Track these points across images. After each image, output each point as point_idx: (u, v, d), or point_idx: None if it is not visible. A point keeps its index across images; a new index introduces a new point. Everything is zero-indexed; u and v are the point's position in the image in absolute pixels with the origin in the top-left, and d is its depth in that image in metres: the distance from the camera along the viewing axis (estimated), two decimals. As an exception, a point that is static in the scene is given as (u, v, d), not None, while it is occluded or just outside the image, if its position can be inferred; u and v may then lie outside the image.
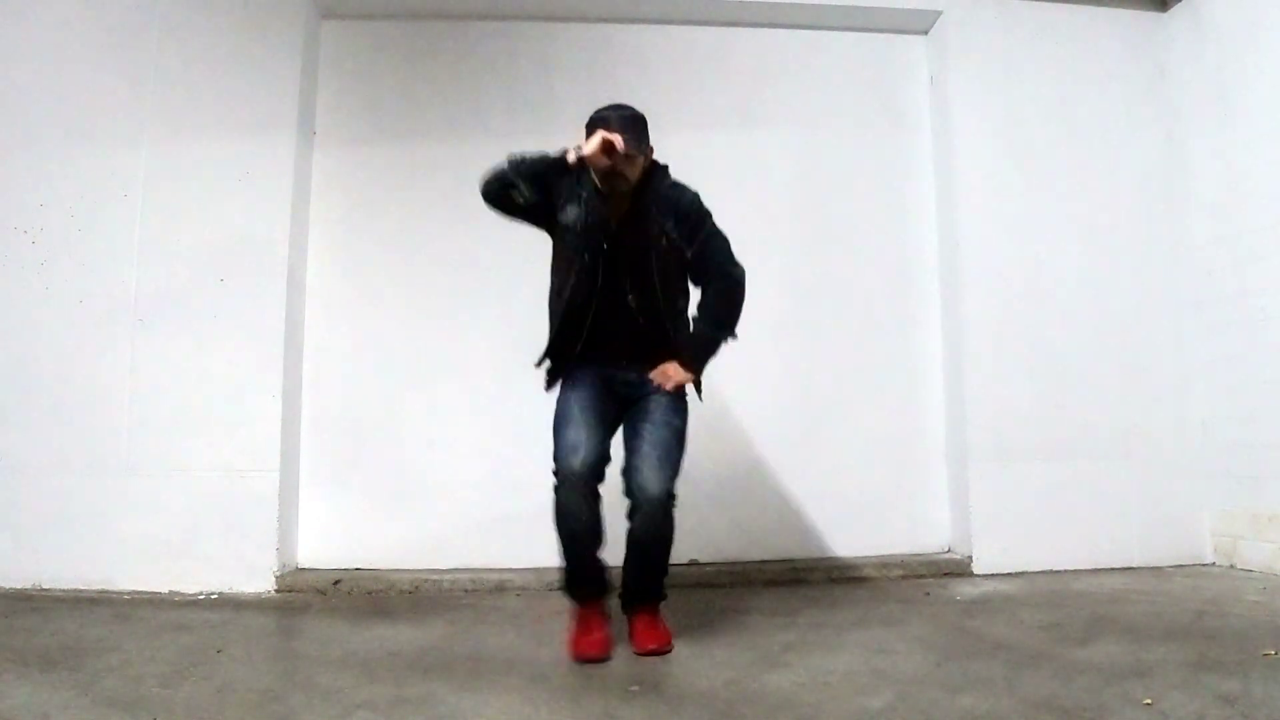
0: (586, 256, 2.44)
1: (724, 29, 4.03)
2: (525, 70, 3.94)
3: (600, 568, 2.46)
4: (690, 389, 2.58)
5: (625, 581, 2.51)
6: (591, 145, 2.36)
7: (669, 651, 2.38)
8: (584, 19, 3.98)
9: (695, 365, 2.54)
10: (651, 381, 2.50)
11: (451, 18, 3.94)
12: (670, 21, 4.00)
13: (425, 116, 3.89)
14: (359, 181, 3.82)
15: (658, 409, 2.47)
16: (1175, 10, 4.00)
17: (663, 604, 2.54)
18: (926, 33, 4.07)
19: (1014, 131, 3.89)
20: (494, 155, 3.84)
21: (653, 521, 2.35)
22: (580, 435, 2.37)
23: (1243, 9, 3.64)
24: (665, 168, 2.58)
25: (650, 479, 2.34)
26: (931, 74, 4.05)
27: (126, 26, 3.59)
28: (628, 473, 2.39)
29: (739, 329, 2.59)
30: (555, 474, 2.37)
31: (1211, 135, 3.80)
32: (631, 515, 2.38)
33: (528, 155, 2.49)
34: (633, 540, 2.41)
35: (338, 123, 3.84)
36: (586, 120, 2.51)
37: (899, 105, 4.08)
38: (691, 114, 3.93)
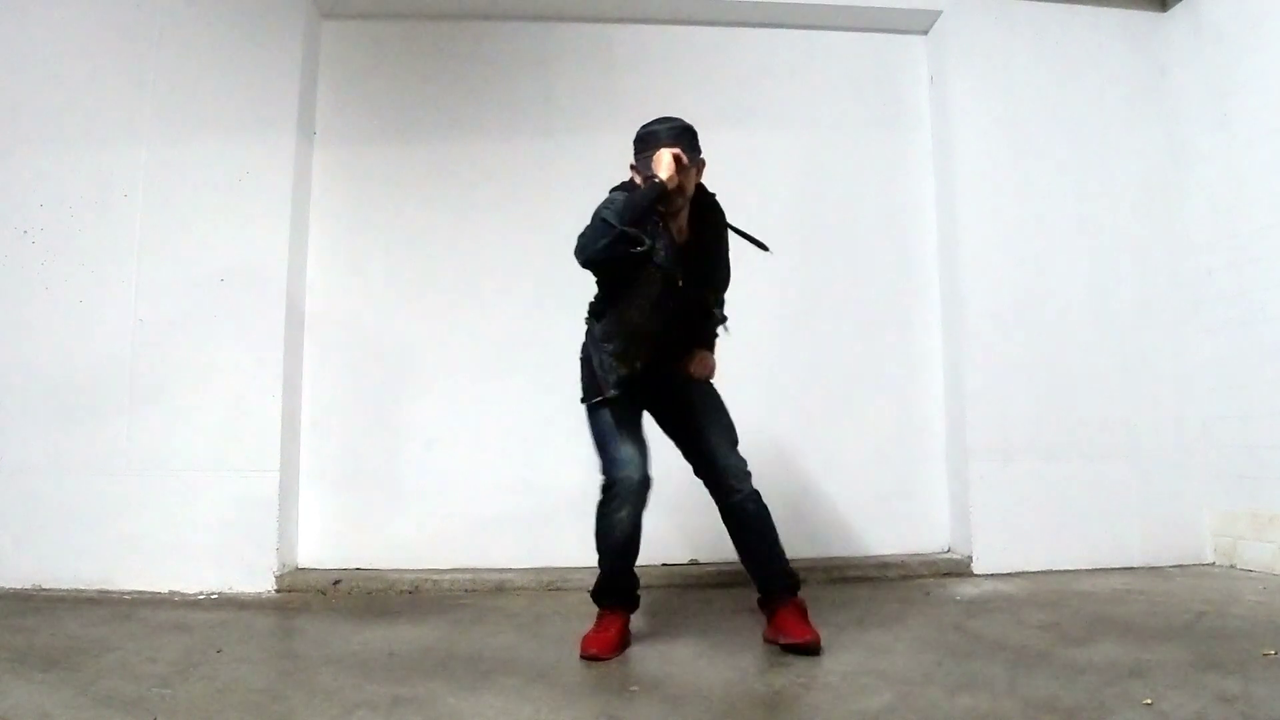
0: (663, 280, 2.39)
1: (724, 29, 4.03)
2: (525, 70, 3.94)
3: (635, 579, 2.55)
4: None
5: (758, 579, 2.54)
6: (668, 167, 2.30)
7: (819, 651, 2.34)
8: (584, 19, 3.98)
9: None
10: (677, 373, 2.54)
11: (451, 18, 3.94)
12: (670, 21, 4.00)
13: (425, 116, 3.89)
14: (359, 181, 3.82)
15: (703, 400, 2.56)
16: (1175, 10, 4.00)
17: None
18: (926, 33, 4.07)
19: (1014, 131, 3.89)
20: (494, 155, 3.89)
21: (757, 502, 2.46)
22: (632, 448, 2.39)
23: (1243, 9, 3.64)
24: (713, 196, 2.59)
25: (734, 459, 2.47)
26: (931, 74, 4.05)
27: (126, 26, 3.59)
28: (713, 468, 2.47)
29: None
30: (608, 487, 2.40)
31: (1211, 135, 3.80)
32: (733, 508, 2.47)
33: (625, 204, 2.34)
34: (749, 529, 2.48)
35: (338, 123, 3.84)
36: (635, 136, 2.48)
37: (899, 105, 4.08)
38: (691, 114, 3.85)
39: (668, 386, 2.56)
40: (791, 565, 2.56)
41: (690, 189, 2.44)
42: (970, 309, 3.77)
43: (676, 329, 2.48)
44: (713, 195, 2.59)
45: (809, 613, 2.48)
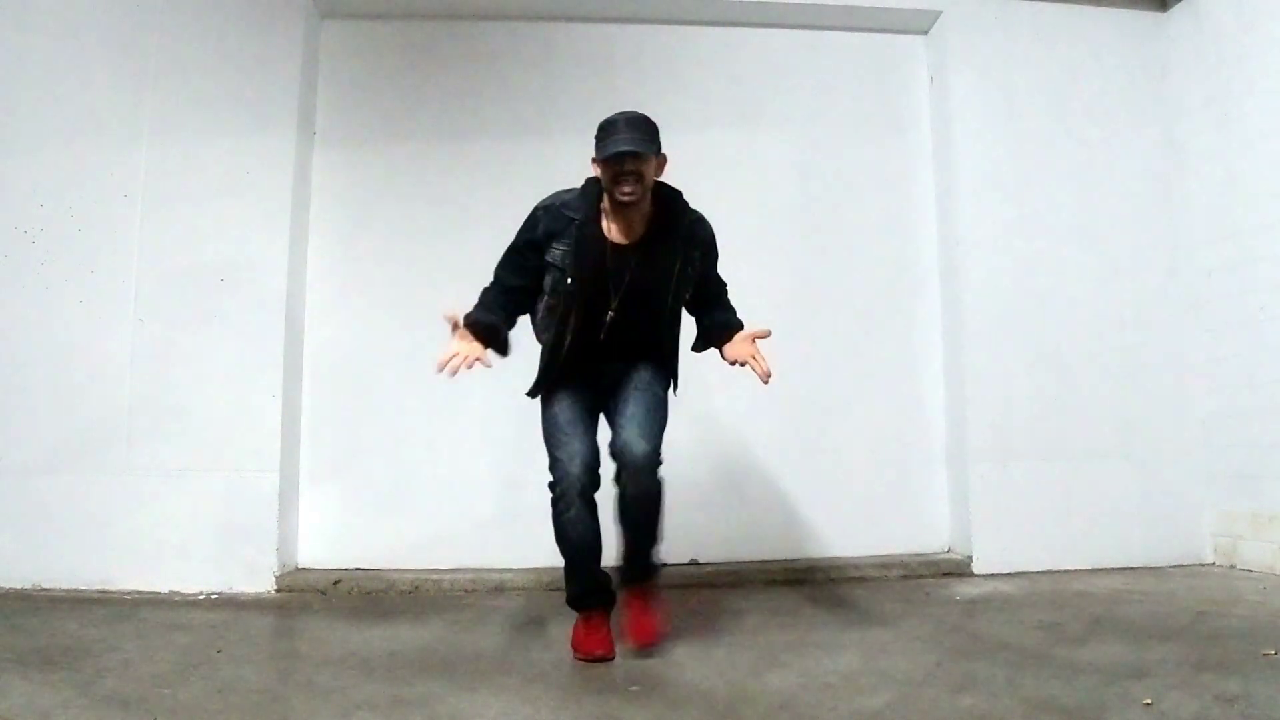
0: (595, 291, 2.39)
1: (724, 29, 4.03)
2: (525, 70, 3.94)
3: (604, 576, 2.46)
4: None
5: (621, 561, 2.49)
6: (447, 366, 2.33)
7: (656, 644, 2.39)
8: (584, 19, 3.98)
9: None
10: (632, 371, 2.49)
11: (451, 18, 3.94)
12: (670, 21, 4.00)
13: (425, 116, 3.89)
14: (359, 181, 3.82)
15: (639, 379, 2.46)
16: (1175, 10, 4.00)
17: (660, 591, 2.53)
18: (926, 33, 4.07)
19: (1014, 131, 3.89)
20: (494, 155, 3.89)
21: (638, 482, 2.32)
22: (574, 444, 2.36)
23: (1243, 9, 3.64)
24: (680, 193, 2.50)
25: (633, 438, 2.32)
26: (931, 74, 4.05)
27: (126, 26, 3.59)
28: (614, 442, 2.37)
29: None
30: (553, 485, 2.37)
31: (1211, 135, 3.80)
32: (618, 480, 2.35)
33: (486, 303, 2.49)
34: (622, 507, 2.38)
35: (338, 123, 3.84)
36: (597, 127, 2.47)
37: (899, 105, 4.08)
38: (691, 114, 3.93)
39: (622, 374, 2.48)
40: (658, 559, 2.55)
41: (647, 183, 2.37)
42: (970, 309, 3.77)
43: (618, 337, 2.43)
44: (676, 193, 2.50)
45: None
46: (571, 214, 2.44)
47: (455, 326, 2.37)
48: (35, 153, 3.50)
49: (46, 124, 3.52)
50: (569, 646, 2.38)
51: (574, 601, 2.44)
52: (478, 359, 2.35)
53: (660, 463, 2.38)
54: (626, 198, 2.33)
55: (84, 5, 3.60)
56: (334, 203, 3.80)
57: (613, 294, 2.39)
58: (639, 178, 2.32)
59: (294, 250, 3.59)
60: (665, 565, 2.65)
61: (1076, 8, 3.99)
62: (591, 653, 2.32)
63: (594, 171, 2.45)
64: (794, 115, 4.02)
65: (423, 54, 3.93)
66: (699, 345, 2.60)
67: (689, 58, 4.01)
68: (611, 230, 2.43)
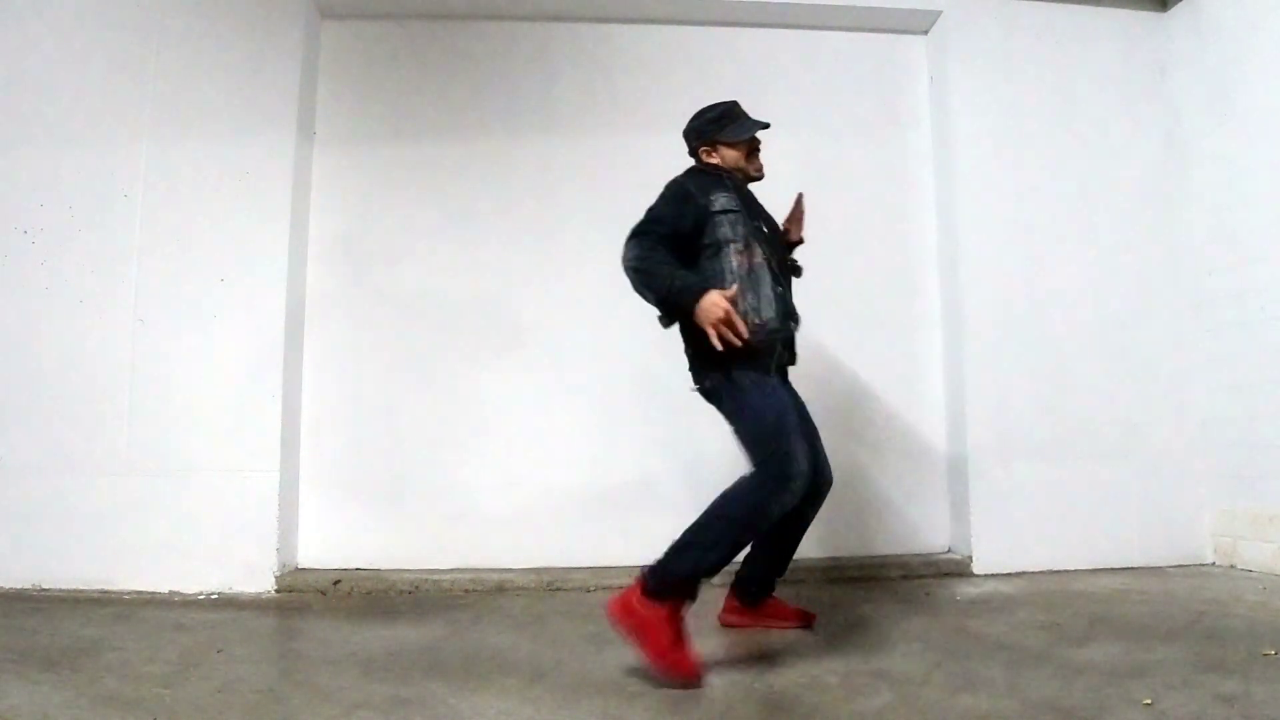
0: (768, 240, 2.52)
1: (724, 29, 4.03)
2: (525, 70, 3.94)
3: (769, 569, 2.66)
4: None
5: (764, 573, 2.68)
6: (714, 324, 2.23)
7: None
8: (584, 19, 3.98)
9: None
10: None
11: (451, 18, 3.94)
12: (670, 21, 4.00)
13: (425, 116, 3.89)
14: (359, 181, 3.82)
15: (796, 394, 2.61)
16: (1175, 10, 4.00)
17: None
18: (926, 33, 4.07)
19: (1014, 131, 3.89)
20: (494, 155, 3.89)
21: (819, 505, 2.58)
22: (805, 446, 2.31)
23: (1243, 9, 3.64)
24: None
25: (827, 465, 2.56)
26: (931, 74, 4.05)
27: (126, 26, 3.59)
28: (815, 467, 2.43)
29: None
30: (784, 476, 2.24)
31: (1211, 135, 3.80)
32: (810, 504, 2.52)
33: (679, 287, 2.29)
34: (803, 527, 2.60)
35: (338, 123, 3.84)
36: (716, 114, 2.65)
37: (899, 105, 4.07)
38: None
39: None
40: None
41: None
42: (970, 309, 3.77)
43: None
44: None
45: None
46: (713, 176, 2.52)
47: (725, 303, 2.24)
48: (35, 153, 3.50)
49: (46, 124, 3.52)
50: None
51: (694, 586, 2.23)
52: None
53: None
54: (759, 173, 2.59)
55: (84, 6, 3.60)
56: (334, 203, 3.80)
57: (779, 251, 2.54)
58: (757, 156, 2.59)
59: (294, 250, 3.59)
60: None
61: (1076, 8, 3.99)
62: (690, 675, 2.07)
63: (704, 158, 2.60)
64: (794, 115, 4.01)
65: (423, 54, 3.93)
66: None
67: (689, 58, 4.01)
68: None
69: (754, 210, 2.53)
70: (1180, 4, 3.97)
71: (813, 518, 2.62)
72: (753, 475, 2.27)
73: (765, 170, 2.60)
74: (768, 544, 2.62)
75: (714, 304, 2.19)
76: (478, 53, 3.94)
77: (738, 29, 4.03)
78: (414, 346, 3.76)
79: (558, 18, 3.97)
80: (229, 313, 3.47)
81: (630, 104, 3.92)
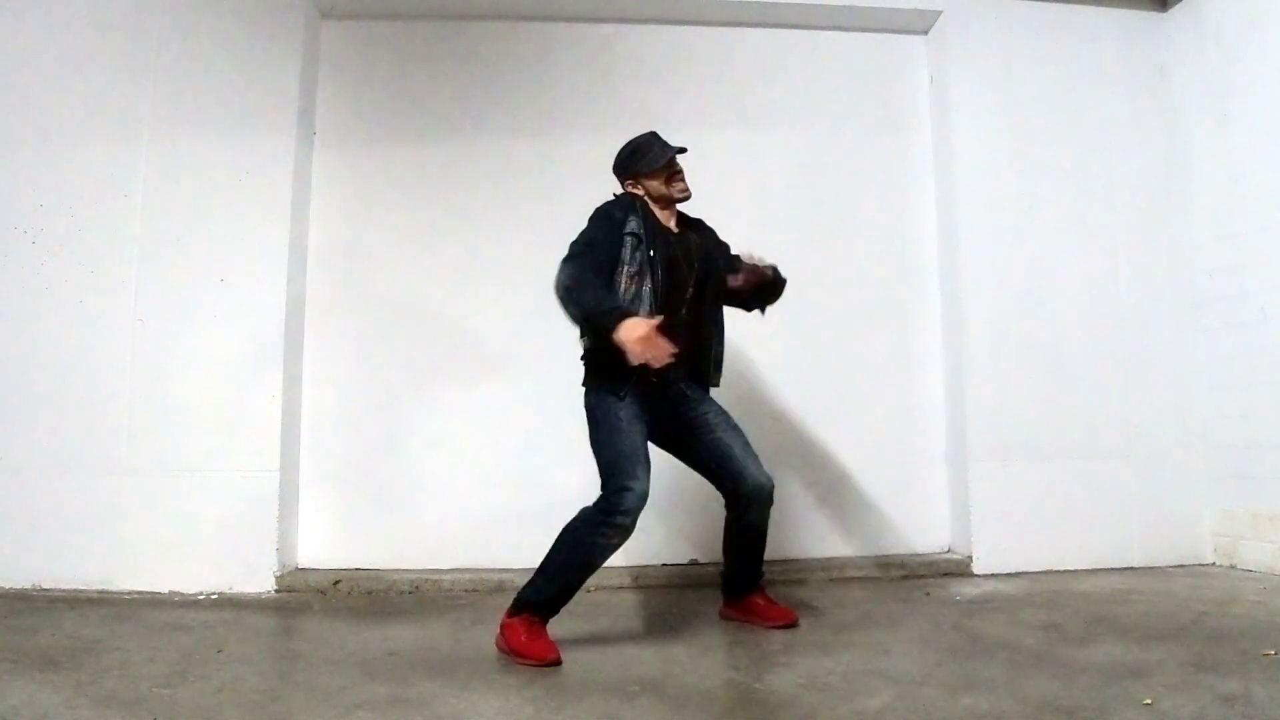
0: (669, 263, 2.59)
1: (724, 29, 4.03)
2: (525, 70, 3.94)
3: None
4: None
5: (736, 573, 2.75)
6: (638, 353, 2.28)
7: (797, 621, 2.69)
8: (584, 19, 3.98)
9: (769, 274, 2.70)
10: (688, 392, 2.65)
11: (451, 18, 3.94)
12: (670, 21, 4.00)
13: (425, 116, 3.89)
14: (359, 181, 3.82)
15: (721, 418, 2.66)
16: (1175, 10, 4.00)
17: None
18: (926, 33, 4.07)
19: (1014, 131, 3.89)
20: (494, 155, 3.89)
21: (767, 511, 2.63)
22: (644, 480, 2.37)
23: (1243, 9, 3.64)
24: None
25: (761, 475, 2.60)
26: (931, 74, 4.05)
27: (126, 26, 3.59)
28: (735, 477, 2.60)
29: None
30: (610, 508, 2.34)
31: (1211, 135, 3.80)
32: (747, 512, 2.62)
33: (594, 307, 2.38)
34: (753, 532, 2.66)
35: (338, 123, 3.84)
36: (626, 154, 2.74)
37: (899, 105, 4.07)
38: (691, 114, 3.93)
39: (689, 406, 2.69)
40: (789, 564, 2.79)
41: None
42: (970, 309, 3.77)
43: (693, 328, 2.68)
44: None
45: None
46: (629, 201, 2.65)
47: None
48: (35, 153, 3.51)
49: (46, 124, 3.52)
50: (508, 651, 2.35)
51: (546, 609, 2.40)
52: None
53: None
54: (684, 194, 2.67)
55: (84, 6, 3.60)
56: (334, 203, 3.80)
57: (689, 277, 2.60)
58: (681, 178, 2.67)
59: (294, 250, 3.59)
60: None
61: (1076, 8, 3.99)
62: (550, 657, 2.29)
63: (628, 189, 2.72)
64: (794, 115, 4.02)
65: (423, 54, 3.93)
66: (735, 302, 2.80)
67: (689, 58, 4.01)
68: (669, 225, 2.70)
69: (664, 240, 2.60)
70: (1180, 4, 3.97)
71: (760, 522, 2.65)
72: (586, 509, 2.41)
73: (690, 190, 2.68)
74: (730, 551, 2.74)
75: (633, 326, 2.27)
76: (478, 53, 3.94)
77: (738, 29, 4.03)
78: (414, 346, 3.76)
79: (558, 18, 3.97)
80: (229, 313, 3.47)
81: (630, 104, 3.91)
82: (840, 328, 3.91)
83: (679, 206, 2.73)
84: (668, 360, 2.29)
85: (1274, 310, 3.47)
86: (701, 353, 2.67)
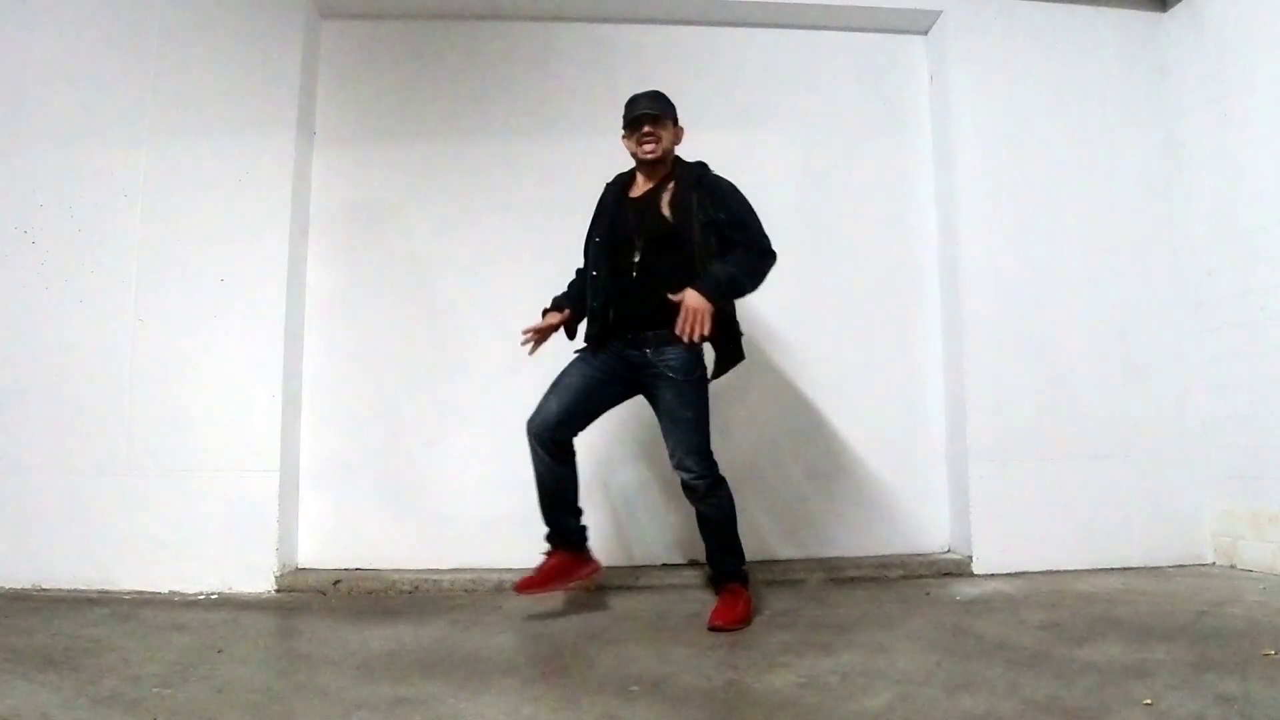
0: (617, 240, 2.78)
1: (724, 29, 4.03)
2: (525, 70, 3.94)
3: (559, 521, 2.81)
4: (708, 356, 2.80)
5: (708, 561, 2.89)
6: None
7: (737, 629, 2.63)
8: (584, 19, 3.98)
9: (712, 292, 2.59)
10: (658, 364, 2.70)
11: (451, 18, 3.94)
12: (670, 21, 4.00)
13: (425, 116, 3.89)
14: (359, 181, 3.82)
15: (669, 401, 2.69)
16: (1175, 10, 4.00)
17: (745, 588, 2.82)
18: (926, 33, 4.07)
19: (1014, 131, 3.89)
20: (494, 155, 3.90)
21: (702, 501, 2.70)
22: (551, 404, 2.74)
23: (1243, 9, 3.64)
24: (704, 163, 2.87)
25: (683, 465, 2.66)
26: (931, 74, 4.05)
27: (126, 27, 3.59)
28: (671, 464, 2.73)
29: (757, 291, 2.79)
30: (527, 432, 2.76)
31: (1211, 135, 3.80)
32: (689, 498, 2.75)
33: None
34: (703, 520, 2.80)
35: (338, 123, 3.84)
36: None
37: (899, 105, 4.07)
38: (691, 114, 3.90)
39: (650, 372, 2.76)
40: (740, 564, 2.87)
41: (667, 146, 2.82)
42: (970, 309, 3.77)
43: (652, 282, 2.73)
44: (699, 163, 2.90)
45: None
46: (619, 176, 2.90)
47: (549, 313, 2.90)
48: (35, 153, 3.50)
49: (46, 124, 3.52)
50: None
51: (545, 536, 2.81)
52: (549, 326, 2.90)
53: (713, 480, 2.70)
54: (647, 155, 2.77)
55: (84, 5, 3.60)
56: (334, 203, 3.80)
57: (636, 238, 2.72)
58: (657, 139, 2.77)
59: (294, 250, 3.59)
60: (743, 567, 2.87)
61: (1076, 8, 3.99)
62: (515, 587, 2.73)
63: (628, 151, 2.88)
64: (794, 115, 4.02)
65: (423, 54, 3.93)
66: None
67: (689, 58, 4.01)
68: (636, 190, 2.84)
69: (620, 205, 2.82)
70: (1180, 4, 3.97)
71: (705, 511, 2.76)
72: None
73: (654, 153, 2.78)
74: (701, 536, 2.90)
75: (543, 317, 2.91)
76: (478, 53, 3.94)
77: (738, 29, 4.03)
78: (414, 346, 3.76)
79: (558, 18, 3.97)
80: (229, 313, 3.47)
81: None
82: (840, 327, 3.91)
83: (683, 159, 2.87)
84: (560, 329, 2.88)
85: (1274, 310, 3.47)
86: (658, 308, 2.62)
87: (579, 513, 2.88)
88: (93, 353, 3.41)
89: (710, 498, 2.71)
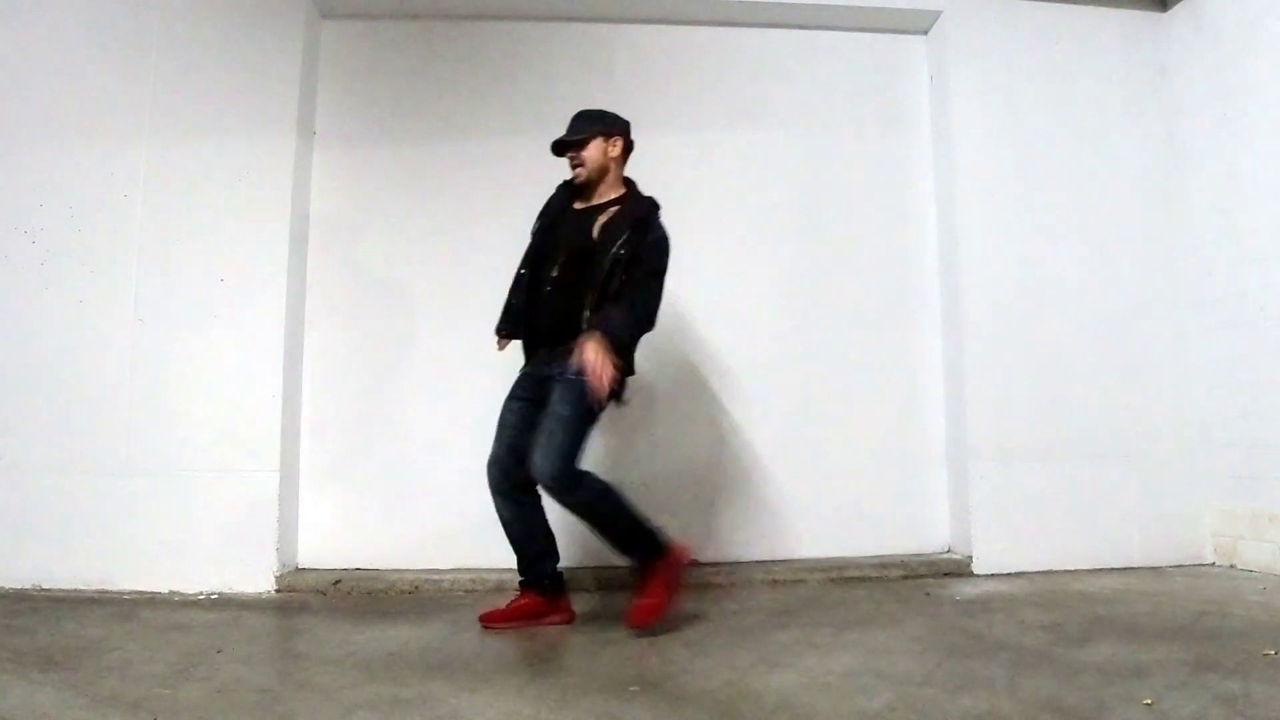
0: (546, 244, 2.83)
1: (724, 29, 4.03)
2: (525, 70, 3.94)
3: (532, 564, 2.77)
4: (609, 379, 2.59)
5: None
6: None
7: (639, 627, 2.54)
8: (584, 19, 3.98)
9: (610, 334, 2.53)
10: (557, 375, 2.64)
11: (451, 18, 3.94)
12: (670, 21, 4.00)
13: (425, 116, 3.89)
14: (359, 181, 3.82)
15: (552, 400, 2.63)
16: (1175, 10, 4.00)
17: (664, 577, 2.66)
18: (926, 33, 4.07)
19: (1014, 131, 3.89)
20: (494, 155, 3.90)
21: (561, 502, 2.59)
22: (496, 448, 2.77)
23: (1243, 9, 3.64)
24: (654, 202, 2.81)
25: (535, 464, 2.55)
26: (931, 74, 4.05)
27: (126, 26, 3.59)
28: (529, 458, 2.61)
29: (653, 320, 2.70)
30: None
31: (1211, 135, 3.80)
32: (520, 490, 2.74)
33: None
34: (576, 516, 2.67)
35: (338, 123, 3.84)
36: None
37: (899, 105, 4.07)
38: (691, 114, 3.93)
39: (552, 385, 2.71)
40: (638, 546, 2.69)
41: (591, 165, 2.80)
42: (970, 309, 3.77)
43: (562, 301, 2.75)
44: (650, 200, 2.82)
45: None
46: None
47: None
48: (35, 153, 3.50)
49: (46, 124, 3.52)
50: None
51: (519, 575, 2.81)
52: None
53: (567, 484, 2.55)
54: (575, 178, 2.84)
55: (84, 5, 3.60)
56: (334, 203, 3.80)
57: (559, 252, 2.75)
58: (580, 162, 2.80)
59: (294, 250, 3.59)
60: (657, 550, 2.68)
61: (1076, 8, 3.99)
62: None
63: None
64: (794, 115, 4.02)
65: (423, 54, 3.93)
66: None
67: (689, 58, 4.01)
68: (580, 203, 2.85)
69: (554, 222, 2.85)
70: (1180, 4, 3.97)
71: (567, 508, 2.62)
72: None
73: (579, 176, 2.82)
74: None
75: None
76: (478, 53, 3.94)
77: (738, 29, 4.04)
78: (414, 346, 3.77)
79: (558, 18, 3.97)
80: (229, 313, 3.47)
81: (630, 104, 3.89)
82: (840, 327, 3.91)
83: (640, 192, 2.84)
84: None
85: (1274, 310, 3.47)
86: (568, 324, 2.64)
87: (554, 555, 2.80)
88: (93, 353, 3.41)
89: (569, 498, 2.57)
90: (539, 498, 2.73)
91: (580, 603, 3.09)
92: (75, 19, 3.59)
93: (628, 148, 2.88)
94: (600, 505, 2.63)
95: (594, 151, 2.80)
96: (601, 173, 2.81)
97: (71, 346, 3.41)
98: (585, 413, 2.59)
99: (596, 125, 2.83)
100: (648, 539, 2.68)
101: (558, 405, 2.60)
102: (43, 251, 3.46)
